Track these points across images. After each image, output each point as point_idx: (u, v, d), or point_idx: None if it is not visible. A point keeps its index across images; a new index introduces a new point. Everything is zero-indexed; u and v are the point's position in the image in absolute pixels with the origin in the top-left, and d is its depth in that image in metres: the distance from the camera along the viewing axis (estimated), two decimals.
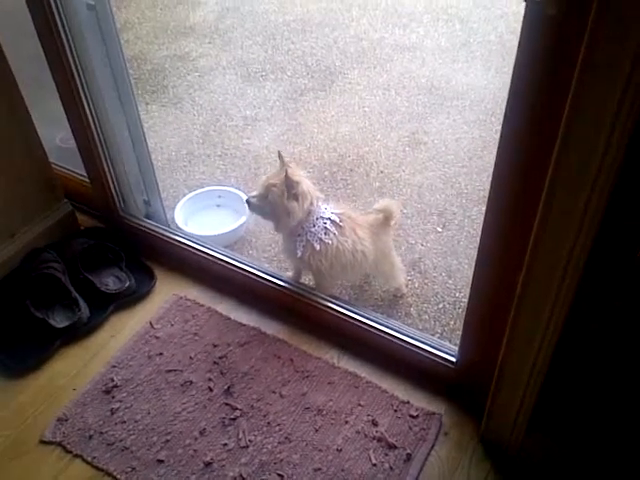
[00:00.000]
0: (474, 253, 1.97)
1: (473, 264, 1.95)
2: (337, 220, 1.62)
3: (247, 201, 1.61)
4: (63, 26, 1.53)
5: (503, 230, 1.18)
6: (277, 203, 1.54)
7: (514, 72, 0.97)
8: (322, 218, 1.60)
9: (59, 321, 1.64)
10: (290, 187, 1.52)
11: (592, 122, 0.86)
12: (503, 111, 1.05)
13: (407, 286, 1.89)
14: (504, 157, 1.08)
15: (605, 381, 1.16)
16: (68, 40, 1.56)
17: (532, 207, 1.02)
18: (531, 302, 1.12)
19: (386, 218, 1.69)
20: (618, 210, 0.94)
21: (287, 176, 1.50)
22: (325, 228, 1.59)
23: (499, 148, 1.08)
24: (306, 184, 1.58)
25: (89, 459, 1.40)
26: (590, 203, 0.93)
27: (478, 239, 2.01)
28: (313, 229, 1.59)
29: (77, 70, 1.62)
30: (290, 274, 1.78)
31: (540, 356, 1.17)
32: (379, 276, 1.83)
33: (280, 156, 1.58)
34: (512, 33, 3.16)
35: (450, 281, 1.93)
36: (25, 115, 1.73)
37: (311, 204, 1.58)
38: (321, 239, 1.59)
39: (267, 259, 2.02)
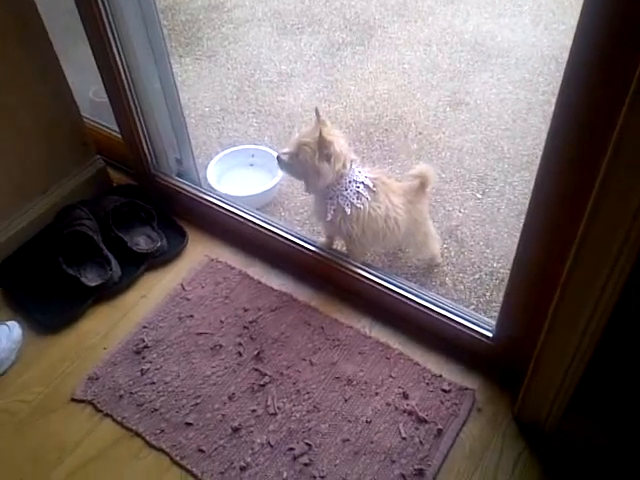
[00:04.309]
0: (515, 222, 1.93)
1: (513, 233, 1.89)
2: (370, 185, 1.55)
3: (277, 157, 1.55)
4: None
5: (555, 195, 1.09)
6: (308, 163, 1.48)
7: (577, 31, 0.88)
8: (355, 182, 1.54)
9: (91, 279, 1.64)
10: (322, 147, 1.46)
11: None
12: (551, 71, 0.96)
13: (443, 255, 1.83)
14: (562, 116, 0.98)
15: None
16: None
17: (590, 171, 0.94)
18: (582, 277, 1.05)
19: (422, 184, 1.62)
20: None
21: (321, 135, 1.44)
22: (358, 192, 1.53)
23: (556, 108, 0.98)
24: (339, 144, 1.51)
25: (119, 419, 1.41)
26: None
27: (519, 207, 1.96)
28: (345, 192, 1.53)
29: (109, 21, 1.56)
30: (323, 239, 1.74)
31: (587, 335, 1.11)
32: (412, 246, 1.77)
33: (317, 113, 1.52)
34: None
35: (488, 250, 1.87)
36: (57, 68, 1.69)
37: (343, 166, 1.52)
38: (353, 203, 1.53)
39: (299, 222, 1.98)
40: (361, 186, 1.53)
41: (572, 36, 0.90)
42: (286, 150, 1.54)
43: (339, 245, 1.75)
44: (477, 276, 1.80)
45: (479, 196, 2.04)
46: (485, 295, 1.75)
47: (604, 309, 1.06)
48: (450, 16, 2.88)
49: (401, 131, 2.30)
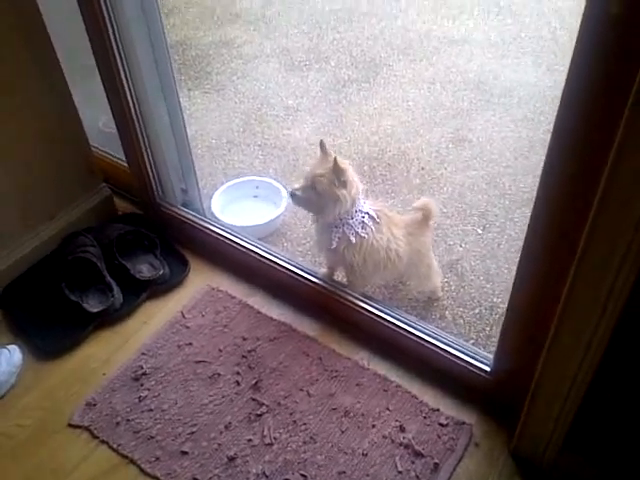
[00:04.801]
0: (515, 257, 1.93)
1: (513, 269, 1.89)
2: (375, 216, 1.58)
3: (291, 194, 1.57)
4: (107, 9, 1.52)
5: (549, 235, 1.12)
6: (326, 192, 1.51)
7: (570, 72, 0.91)
8: (360, 211, 1.56)
9: (93, 305, 1.65)
10: (339, 174, 1.49)
11: None
12: (552, 110, 0.99)
13: (443, 289, 1.84)
14: (556, 156, 1.02)
15: None
16: (112, 23, 1.55)
17: (583, 211, 0.96)
18: (576, 315, 1.07)
19: (425, 217, 1.65)
20: None
21: (336, 163, 1.47)
22: (362, 222, 1.56)
23: (550, 147, 1.01)
24: (351, 171, 1.54)
25: (115, 446, 1.41)
26: None
27: (520, 243, 1.96)
28: (351, 221, 1.56)
29: (120, 54, 1.61)
30: (324, 270, 1.75)
31: (582, 371, 1.12)
32: (414, 278, 1.79)
33: (322, 145, 1.55)
34: (566, 29, 3.05)
35: (488, 285, 1.88)
36: (67, 98, 1.73)
37: (357, 192, 1.55)
38: (357, 232, 1.55)
39: (301, 253, 2.00)
40: (366, 216, 1.56)
41: None
42: (298, 185, 1.56)
43: (340, 276, 1.77)
44: (477, 311, 1.81)
45: (480, 231, 2.06)
46: (485, 330, 1.76)
47: (598, 346, 1.07)
48: (454, 56, 2.94)
49: (404, 166, 2.33)
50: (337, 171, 1.48)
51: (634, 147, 0.85)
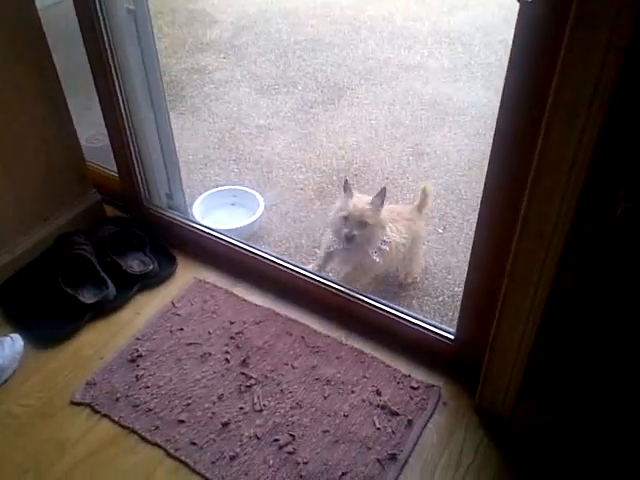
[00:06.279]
0: None
1: None
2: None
3: (348, 238, 1.75)
4: (105, 29, 1.69)
5: (495, 229, 1.35)
6: (376, 221, 1.76)
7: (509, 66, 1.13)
8: None
9: (88, 297, 1.77)
10: (381, 200, 1.76)
11: (570, 107, 1.03)
12: None
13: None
14: (500, 141, 1.27)
15: (590, 347, 1.30)
16: (110, 43, 1.72)
17: (518, 196, 1.20)
18: (518, 280, 1.28)
19: (423, 200, 1.96)
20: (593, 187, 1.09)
21: (382, 192, 1.74)
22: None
23: (495, 136, 1.24)
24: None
25: (116, 419, 1.52)
26: (567, 188, 1.11)
27: None
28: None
29: (116, 72, 1.78)
30: (314, 266, 1.94)
31: (528, 327, 1.32)
32: (407, 261, 2.00)
33: (346, 185, 1.78)
34: None
35: (449, 277, 2.08)
36: (66, 113, 1.89)
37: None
38: (385, 241, 1.81)
39: (278, 254, 2.15)
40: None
41: None
42: (348, 230, 1.74)
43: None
44: (440, 299, 2.00)
45: (440, 231, 2.26)
46: (448, 315, 1.94)
47: (539, 304, 1.28)
48: (411, 80, 3.20)
49: (369, 176, 2.54)
50: (380, 197, 1.74)
51: (553, 141, 1.08)
